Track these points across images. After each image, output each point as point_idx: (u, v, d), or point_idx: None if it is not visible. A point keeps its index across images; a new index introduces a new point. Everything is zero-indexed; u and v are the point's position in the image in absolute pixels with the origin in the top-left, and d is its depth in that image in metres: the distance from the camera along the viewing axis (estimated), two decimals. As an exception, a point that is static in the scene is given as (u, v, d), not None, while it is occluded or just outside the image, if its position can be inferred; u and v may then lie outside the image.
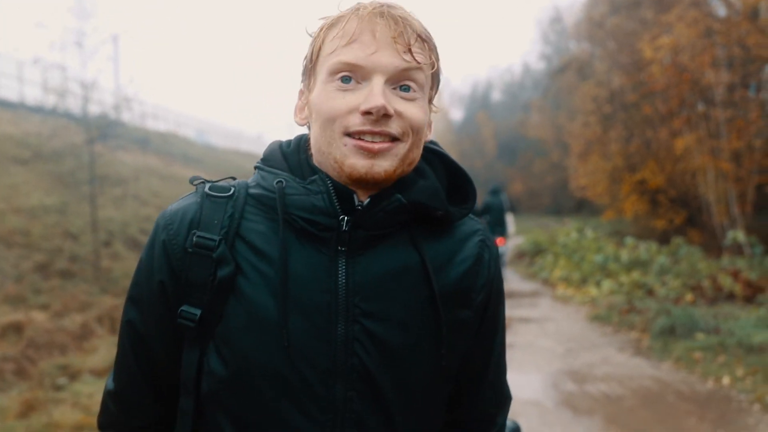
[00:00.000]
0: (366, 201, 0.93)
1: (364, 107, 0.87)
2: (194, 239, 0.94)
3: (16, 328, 6.55)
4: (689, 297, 8.24)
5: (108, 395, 1.05)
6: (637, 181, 14.87)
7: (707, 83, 12.17)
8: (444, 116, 48.51)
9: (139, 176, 15.48)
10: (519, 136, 38.17)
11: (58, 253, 9.32)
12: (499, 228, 11.71)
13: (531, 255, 15.02)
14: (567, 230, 16.51)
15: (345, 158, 0.89)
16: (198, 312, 0.93)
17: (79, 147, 10.41)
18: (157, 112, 29.74)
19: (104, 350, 6.12)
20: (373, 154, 0.89)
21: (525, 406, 4.72)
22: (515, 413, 4.41)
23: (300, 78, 1.00)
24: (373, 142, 0.88)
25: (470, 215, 1.06)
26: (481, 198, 13.85)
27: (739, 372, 5.29)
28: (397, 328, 0.93)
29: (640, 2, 14.68)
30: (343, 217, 0.92)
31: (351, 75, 0.89)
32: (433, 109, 1.02)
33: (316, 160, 0.95)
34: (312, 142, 0.95)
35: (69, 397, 4.86)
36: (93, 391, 4.90)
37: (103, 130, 10.80)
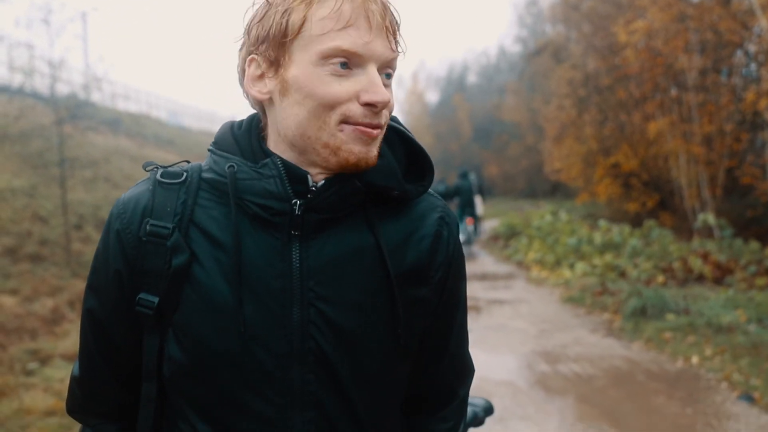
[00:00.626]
0: (320, 183, 0.92)
1: (369, 99, 0.86)
2: (147, 228, 0.93)
3: (-15, 313, 6.43)
4: (660, 279, 8.38)
5: (74, 380, 1.06)
6: (611, 164, 15.03)
7: (680, 67, 12.30)
8: (419, 98, 48.49)
9: (111, 158, 15.22)
10: (494, 119, 38.27)
11: (27, 237, 9.14)
12: (469, 209, 13.47)
13: (506, 238, 15.13)
14: (541, 213, 16.66)
15: (342, 144, 0.87)
16: (155, 300, 0.93)
17: (48, 128, 10.19)
18: (128, 93, 29.22)
19: (75, 334, 6.04)
20: (371, 140, 0.89)
21: (498, 386, 4.78)
22: (489, 393, 4.46)
23: (247, 41, 0.93)
24: (372, 128, 0.88)
25: (430, 191, 1.04)
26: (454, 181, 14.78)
27: (708, 351, 5.41)
28: (352, 310, 0.93)
29: (615, -14, 14.73)
30: (296, 201, 0.91)
31: (347, 61, 0.87)
32: None
33: (293, 142, 0.91)
34: (284, 123, 0.90)
35: (40, 382, 4.79)
36: (64, 376, 4.84)
37: (73, 110, 10.58)
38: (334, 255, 0.94)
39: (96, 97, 15.48)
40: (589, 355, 5.60)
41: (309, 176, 0.91)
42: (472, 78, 50.97)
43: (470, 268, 11.44)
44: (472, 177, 14.00)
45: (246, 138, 0.97)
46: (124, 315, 0.96)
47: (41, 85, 10.53)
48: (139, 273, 0.94)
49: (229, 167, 0.92)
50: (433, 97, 51.63)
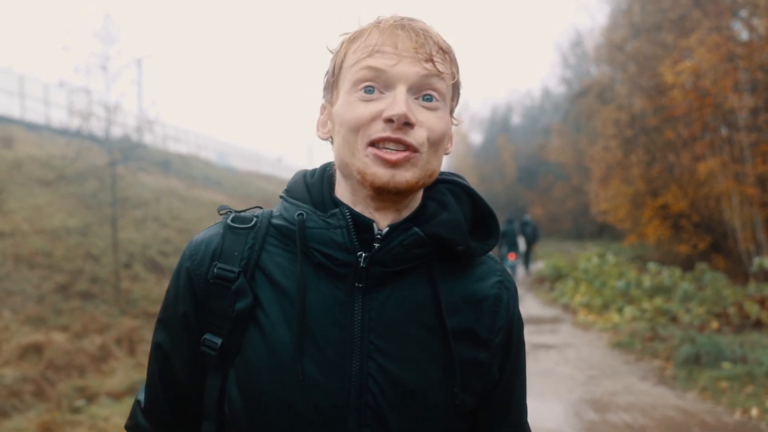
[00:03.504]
0: (385, 230, 0.93)
1: (387, 114, 0.87)
2: (215, 270, 0.96)
3: (36, 349, 6.60)
4: (714, 324, 8.05)
5: (137, 404, 1.08)
6: (660, 205, 14.68)
7: (730, 107, 12.04)
8: (463, 139, 48.59)
9: (160, 198, 15.65)
10: (539, 160, 38.02)
11: (79, 275, 9.41)
12: (513, 247, 15.98)
13: (552, 280, 14.84)
14: (588, 255, 16.32)
15: (366, 167, 0.89)
16: (219, 341, 0.95)
17: (102, 169, 10.56)
18: (178, 135, 30.18)
19: (122, 372, 6.12)
20: (391, 164, 0.88)
21: (545, 435, 4.62)
22: (535, 443, 4.31)
23: (322, 94, 1.01)
24: (390, 152, 0.88)
25: (491, 255, 1.05)
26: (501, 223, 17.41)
27: (768, 403, 5.14)
28: (410, 366, 0.93)
29: (660, 26, 14.62)
30: (361, 254, 0.92)
31: (374, 85, 0.89)
32: (454, 121, 1.01)
33: (342, 172, 0.95)
34: (335, 155, 0.95)
35: (86, 419, 4.86)
36: (109, 414, 4.89)
37: (126, 152, 10.96)
38: (396, 309, 0.94)
39: (148, 139, 16.02)
40: (640, 404, 5.38)
41: (374, 224, 0.93)
42: (516, 119, 50.96)
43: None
44: (516, 223, 16.68)
45: (318, 186, 0.99)
46: (190, 353, 0.99)
47: (97, 127, 10.95)
48: (205, 313, 0.97)
49: (298, 215, 0.95)
50: (476, 138, 51.71)
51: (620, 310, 9.80)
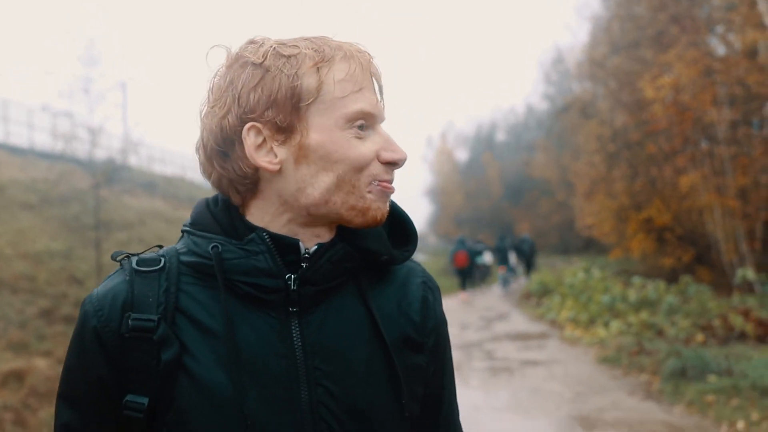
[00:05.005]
0: (313, 248, 0.89)
1: (391, 158, 0.88)
2: (129, 323, 0.85)
3: (18, 376, 6.49)
4: (700, 337, 8.10)
5: None
6: (644, 219, 14.82)
7: (710, 121, 12.24)
8: (449, 157, 48.87)
9: (145, 220, 15.56)
10: (524, 176, 38.29)
11: (62, 299, 9.30)
12: (504, 261, 18.20)
13: (538, 296, 14.87)
14: (574, 270, 16.39)
15: (371, 203, 0.88)
16: (145, 400, 0.85)
17: (85, 192, 10.53)
18: (164, 156, 30.05)
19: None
20: (390, 195, 0.91)
21: (533, 453, 4.60)
22: (523, 461, 4.29)
23: (236, 108, 0.85)
24: (389, 186, 0.90)
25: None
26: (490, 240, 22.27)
27: (755, 416, 5.15)
28: (359, 386, 0.89)
29: (639, 42, 14.87)
30: (289, 276, 0.87)
31: (365, 123, 0.88)
32: None
33: (300, 209, 0.87)
34: (302, 192, 0.86)
35: (67, 447, 4.78)
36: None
37: (110, 174, 10.93)
38: (334, 328, 0.90)
39: (132, 160, 15.98)
40: (628, 420, 5.38)
41: (300, 243, 0.88)
42: (500, 136, 51.35)
43: (502, 327, 11.25)
44: (508, 240, 19.64)
45: (225, 215, 0.91)
46: (109, 424, 0.88)
47: (81, 150, 10.92)
48: (123, 373, 0.86)
49: (213, 248, 0.87)
50: (462, 155, 52.02)
51: (606, 325, 9.83)
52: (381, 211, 0.89)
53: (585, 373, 7.26)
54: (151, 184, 20.92)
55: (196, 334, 0.87)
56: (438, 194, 50.21)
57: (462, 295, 15.91)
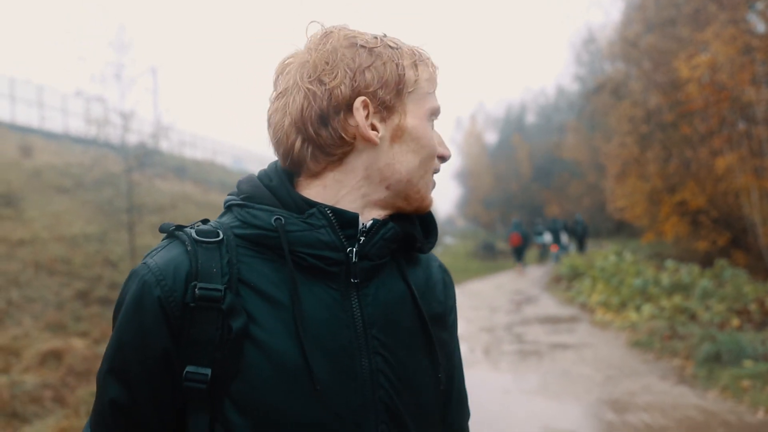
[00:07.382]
0: (369, 222, 0.95)
1: (446, 153, 1.02)
2: (197, 292, 0.85)
3: (56, 355, 6.66)
4: (735, 322, 7.94)
5: None
6: (677, 202, 14.51)
7: (747, 101, 11.87)
8: (478, 139, 48.47)
9: (177, 204, 15.78)
10: (554, 158, 37.80)
11: (97, 281, 9.51)
12: (557, 240, 20.73)
13: (568, 279, 14.73)
14: (605, 253, 16.18)
15: (428, 192, 1.00)
16: (208, 371, 0.85)
17: (118, 176, 10.70)
18: (194, 141, 30.40)
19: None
20: None
21: (563, 436, 4.58)
22: (553, 444, 4.28)
23: (349, 84, 0.91)
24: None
25: None
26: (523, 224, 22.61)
27: (791, 402, 5.05)
28: (409, 356, 0.96)
29: (675, 20, 14.46)
30: (350, 249, 0.93)
31: (434, 119, 1.01)
32: None
33: (386, 184, 0.96)
34: (391, 167, 0.95)
35: (104, 425, 4.90)
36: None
37: (141, 159, 11.07)
38: (386, 302, 0.96)
39: (163, 145, 16.17)
40: (660, 404, 5.32)
41: (359, 216, 0.94)
42: (530, 118, 50.72)
43: (532, 310, 11.18)
44: (560, 222, 21.87)
45: (284, 189, 0.95)
46: (165, 399, 0.87)
47: (113, 135, 11.08)
48: (184, 344, 0.86)
49: (276, 220, 0.90)
50: (491, 137, 51.55)
51: (638, 309, 9.70)
52: (431, 200, 1.01)
53: (616, 357, 7.18)
54: (181, 169, 21.19)
55: (261, 304, 0.89)
56: (467, 177, 49.91)
57: (517, 267, 19.55)
